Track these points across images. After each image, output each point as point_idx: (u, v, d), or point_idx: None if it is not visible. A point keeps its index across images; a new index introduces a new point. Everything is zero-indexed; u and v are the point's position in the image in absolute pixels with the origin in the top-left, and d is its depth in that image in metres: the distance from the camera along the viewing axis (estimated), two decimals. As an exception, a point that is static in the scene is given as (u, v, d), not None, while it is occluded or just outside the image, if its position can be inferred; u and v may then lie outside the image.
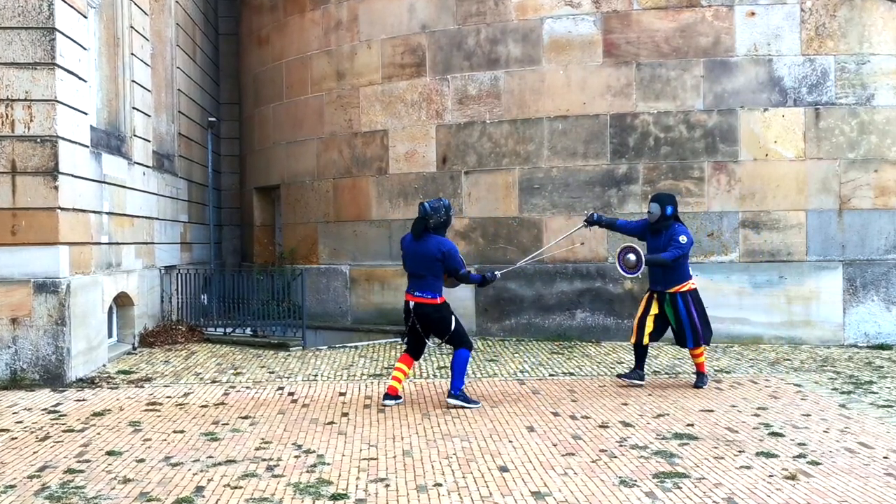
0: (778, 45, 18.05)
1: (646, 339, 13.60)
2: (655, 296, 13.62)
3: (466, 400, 12.33)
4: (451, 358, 12.91)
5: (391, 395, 12.51)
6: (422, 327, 12.51)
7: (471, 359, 13.67)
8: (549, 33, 18.80)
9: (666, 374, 14.78)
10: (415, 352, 12.83)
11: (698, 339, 13.42)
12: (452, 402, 12.30)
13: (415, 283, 12.46)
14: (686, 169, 18.25)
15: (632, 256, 13.41)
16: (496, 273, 13.31)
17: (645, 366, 13.91)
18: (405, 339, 12.98)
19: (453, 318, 12.53)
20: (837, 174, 17.98)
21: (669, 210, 13.51)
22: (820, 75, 17.99)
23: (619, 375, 14.11)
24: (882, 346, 17.56)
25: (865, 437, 10.39)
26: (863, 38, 18.00)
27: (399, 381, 12.69)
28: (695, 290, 13.61)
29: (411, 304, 12.46)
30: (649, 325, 13.58)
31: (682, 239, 13.32)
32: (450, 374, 12.64)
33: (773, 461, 9.30)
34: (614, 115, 18.52)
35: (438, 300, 12.41)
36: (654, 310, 13.58)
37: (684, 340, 13.54)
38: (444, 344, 12.99)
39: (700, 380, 13.66)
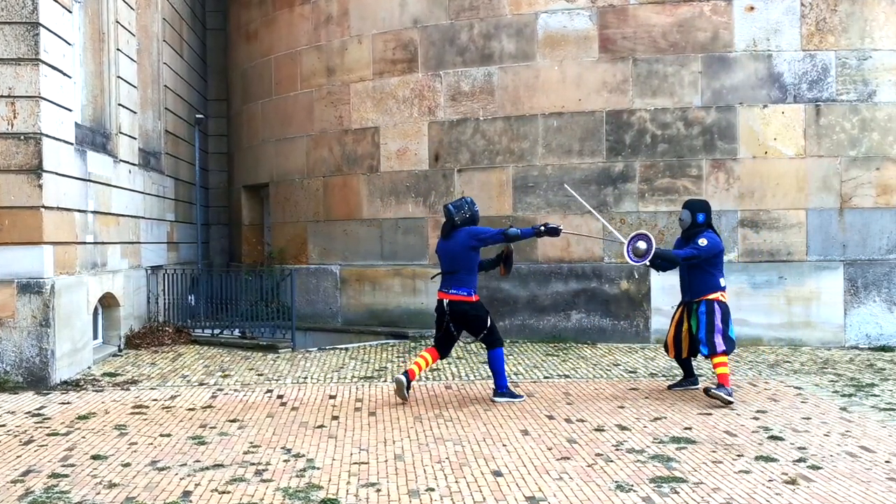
0: (777, 40, 18.07)
1: (685, 353, 13.41)
2: (684, 308, 13.30)
3: (513, 395, 12.78)
4: (485, 358, 13.22)
5: (409, 377, 12.77)
6: (455, 326, 12.79)
7: (464, 360, 13.70)
8: (544, 28, 18.80)
9: (664, 376, 14.79)
10: (443, 349, 13.09)
11: (713, 346, 12.65)
12: (499, 399, 12.69)
13: (448, 281, 12.74)
14: (684, 167, 18.27)
15: (642, 244, 12.97)
16: (556, 226, 12.99)
17: (694, 371, 13.79)
18: (435, 339, 13.26)
19: (488, 316, 12.81)
20: (838, 172, 18.00)
21: (701, 217, 13.13)
22: (820, 71, 18.01)
23: (670, 386, 13.74)
24: (884, 348, 17.57)
25: (867, 440, 10.39)
26: (864, 34, 18.01)
27: (419, 367, 12.95)
28: (723, 302, 12.93)
29: (445, 301, 12.74)
30: (685, 341, 13.30)
31: (702, 241, 12.84)
32: (490, 374, 13.22)
33: (773, 465, 9.31)
34: (610, 111, 18.53)
35: (473, 297, 12.69)
36: (686, 324, 13.26)
37: (699, 347, 12.93)
38: (477, 341, 13.19)
39: (717, 388, 12.48)
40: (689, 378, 13.62)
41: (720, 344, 12.69)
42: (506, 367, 13.14)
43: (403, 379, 12.59)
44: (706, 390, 12.66)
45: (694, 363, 14.00)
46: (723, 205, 18.08)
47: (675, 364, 15.78)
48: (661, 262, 13.21)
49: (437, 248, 13.05)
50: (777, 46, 18.07)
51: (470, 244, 12.58)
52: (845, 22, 17.98)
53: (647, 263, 13.06)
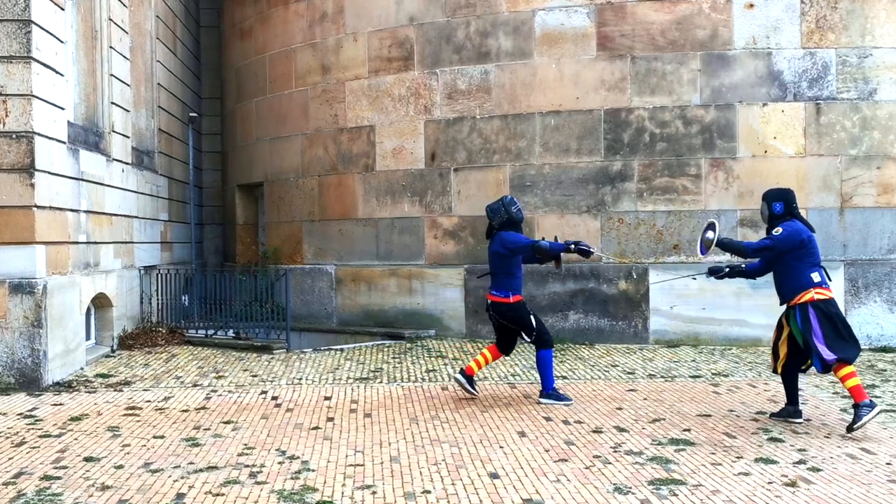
0: (777, 37, 18.07)
1: (779, 368, 11.76)
2: (784, 314, 11.70)
3: (559, 397, 12.81)
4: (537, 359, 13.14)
5: (467, 374, 13.10)
6: (506, 323, 13.03)
7: (461, 361, 13.69)
8: (541, 26, 18.80)
9: (662, 377, 14.79)
10: (504, 347, 13.35)
11: (822, 357, 11.05)
12: (545, 401, 12.76)
13: (491, 281, 13.00)
14: (682, 166, 18.27)
15: (709, 234, 11.90)
16: (587, 247, 12.85)
17: (798, 400, 11.89)
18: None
19: (531, 316, 12.95)
20: (839, 171, 18.00)
21: (778, 207, 11.67)
22: (821, 69, 18.01)
23: (771, 415, 11.93)
24: (885, 349, 17.55)
25: (868, 442, 10.42)
26: (865, 31, 18.02)
27: (479, 365, 13.25)
28: (821, 301, 11.23)
29: (489, 301, 13.03)
30: (783, 350, 11.65)
31: (777, 230, 11.45)
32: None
33: (773, 467, 9.32)
34: (608, 110, 18.53)
35: (511, 299, 12.81)
36: (786, 330, 11.60)
37: (812, 362, 11.40)
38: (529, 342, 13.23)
39: (856, 414, 10.82)
40: (788, 407, 11.86)
41: (826, 352, 11.04)
42: (496, 371, 13.18)
43: (462, 378, 13.08)
44: (772, 415, 11.83)
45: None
46: (722, 204, 18.08)
47: (672, 365, 15.79)
48: (730, 254, 12.42)
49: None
50: (777, 44, 18.07)
51: (500, 252, 12.77)
52: (846, 19, 17.98)
53: (708, 257, 12.12)
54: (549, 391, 12.81)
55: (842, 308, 17.42)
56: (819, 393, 13.37)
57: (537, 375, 14.87)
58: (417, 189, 19.74)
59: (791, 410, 11.72)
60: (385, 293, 20.25)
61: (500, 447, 10.31)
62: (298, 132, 21.92)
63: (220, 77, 27.54)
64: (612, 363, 16.24)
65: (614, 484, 8.75)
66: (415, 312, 19.77)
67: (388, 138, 20.20)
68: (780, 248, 11.38)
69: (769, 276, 11.54)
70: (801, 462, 9.52)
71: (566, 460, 9.69)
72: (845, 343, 11.11)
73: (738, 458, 9.74)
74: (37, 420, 11.93)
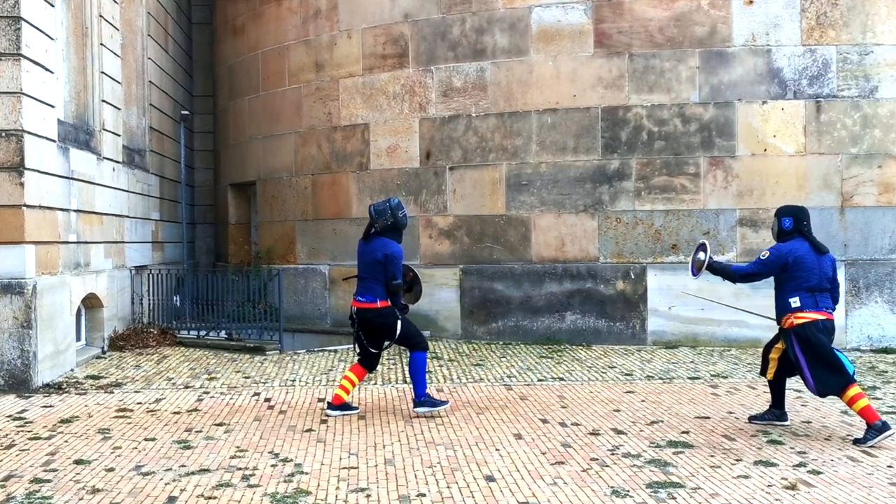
0: (777, 34, 18.08)
1: (769, 374, 11.60)
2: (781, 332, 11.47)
3: (434, 403, 12.23)
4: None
5: (335, 404, 12.33)
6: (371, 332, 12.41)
7: (455, 363, 13.62)
8: (538, 22, 18.81)
9: (660, 379, 14.79)
10: (368, 363, 12.68)
11: (811, 385, 11.04)
12: (420, 409, 12.21)
13: (358, 286, 12.45)
14: (681, 164, 18.27)
15: (701, 255, 11.74)
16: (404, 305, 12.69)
17: (784, 403, 11.77)
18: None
19: (400, 322, 12.33)
20: (839, 170, 18.01)
21: (787, 223, 11.38)
22: (821, 66, 18.02)
23: (751, 419, 11.84)
24: (886, 350, 17.58)
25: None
26: (866, 28, 18.03)
27: (347, 391, 12.51)
28: (800, 325, 10.97)
29: (354, 308, 12.42)
30: (773, 360, 11.51)
31: (765, 254, 11.33)
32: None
33: (773, 470, 9.33)
34: (606, 108, 18.54)
35: (379, 304, 12.23)
36: (781, 344, 11.41)
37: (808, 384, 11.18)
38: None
39: (866, 432, 10.64)
40: (777, 408, 11.75)
41: (811, 383, 10.98)
42: (492, 372, 13.10)
43: (334, 412, 12.22)
44: (751, 418, 11.72)
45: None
46: (721, 203, 18.09)
47: (671, 366, 15.81)
48: (721, 276, 11.99)
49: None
50: (777, 41, 18.08)
51: (378, 260, 12.11)
52: (846, 16, 18.00)
53: (698, 277, 12.08)
54: (422, 398, 12.21)
55: (842, 309, 17.61)
56: (819, 394, 13.39)
57: (533, 377, 14.94)
58: (412, 188, 19.74)
59: (777, 413, 11.65)
60: (379, 293, 20.24)
61: (496, 450, 10.31)
62: (292, 130, 21.91)
63: (212, 74, 27.55)
64: (610, 364, 16.24)
65: (612, 487, 8.75)
66: (409, 313, 19.71)
67: (382, 137, 20.19)
68: (767, 273, 11.30)
69: (772, 278, 11.45)
70: (801, 465, 9.52)
71: (563, 463, 9.69)
72: (830, 371, 10.86)
73: (737, 460, 9.74)
74: (26, 422, 11.91)
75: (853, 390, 10.74)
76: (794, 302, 11.03)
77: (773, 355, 11.47)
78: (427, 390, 12.32)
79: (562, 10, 18.67)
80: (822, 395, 11.15)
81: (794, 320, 10.97)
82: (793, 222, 11.36)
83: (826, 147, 18.02)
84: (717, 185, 18.13)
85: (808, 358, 10.91)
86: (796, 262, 11.07)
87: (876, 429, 10.49)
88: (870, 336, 17.92)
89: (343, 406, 12.23)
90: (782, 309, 11.12)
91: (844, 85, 17.99)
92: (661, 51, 18.32)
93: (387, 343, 12.53)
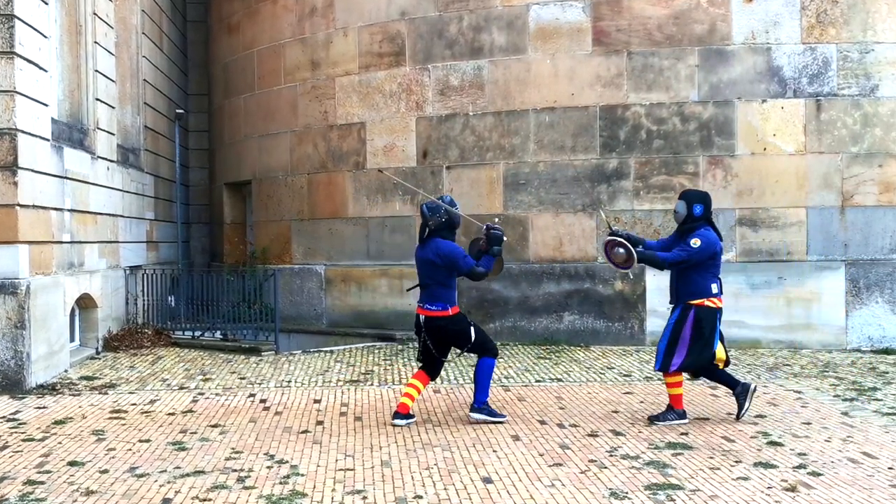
0: (777, 32, 18.08)
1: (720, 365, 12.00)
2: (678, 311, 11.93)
3: (492, 413, 11.91)
4: (474, 361, 12.51)
5: (403, 413, 11.86)
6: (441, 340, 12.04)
7: (453, 364, 13.63)
8: (536, 20, 18.81)
9: (658, 380, 14.77)
10: (432, 370, 12.27)
11: (667, 362, 11.72)
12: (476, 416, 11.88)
13: (422, 294, 12.14)
14: (680, 163, 18.27)
15: (620, 250, 11.84)
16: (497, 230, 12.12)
17: (736, 378, 12.15)
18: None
19: (472, 326, 12.08)
20: (840, 169, 18.01)
21: (698, 210, 11.79)
22: (821, 65, 18.03)
23: (737, 417, 11.95)
24: (887, 351, 17.59)
25: (869, 446, 10.42)
26: (866, 26, 18.03)
27: (412, 398, 12.04)
28: (711, 310, 11.63)
29: (421, 317, 12.08)
30: (720, 350, 11.95)
31: (695, 242, 11.57)
32: (533, 377, 12.77)
33: (772, 472, 9.32)
34: (604, 106, 18.54)
35: (449, 311, 11.94)
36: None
37: (657, 358, 11.94)
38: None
39: (665, 412, 11.88)
40: (736, 386, 11.97)
41: (677, 359, 11.63)
42: (494, 371, 12.99)
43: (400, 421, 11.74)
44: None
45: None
46: (720, 203, 18.05)
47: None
48: (649, 265, 12.49)
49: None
50: (776, 39, 18.08)
51: (434, 261, 11.87)
52: (847, 14, 18.00)
53: (636, 270, 12.28)
54: (482, 405, 11.90)
55: (843, 309, 17.81)
56: (820, 396, 13.38)
57: (531, 377, 14.95)
58: (409, 187, 19.71)
59: (741, 389, 11.91)
60: (376, 293, 20.24)
61: (494, 451, 10.31)
62: (287, 129, 21.91)
63: (207, 73, 27.53)
64: (608, 365, 16.25)
65: (610, 489, 8.75)
66: (406, 313, 19.69)
67: (378, 135, 20.18)
68: (695, 261, 11.61)
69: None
70: (801, 466, 9.51)
71: (561, 465, 9.69)
72: (699, 353, 11.63)
73: (736, 462, 9.74)
74: (20, 423, 11.91)
75: (681, 378, 11.88)
76: (714, 288, 11.69)
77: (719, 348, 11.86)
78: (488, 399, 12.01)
79: (560, 7, 18.66)
80: (666, 369, 11.75)
81: (708, 303, 11.62)
82: (703, 209, 11.86)
83: (826, 146, 18.01)
84: (717, 185, 18.11)
85: (695, 337, 11.59)
86: (718, 253, 11.79)
87: (679, 414, 11.76)
88: (870, 337, 17.92)
89: (409, 415, 11.79)
90: (699, 291, 11.63)
91: (845, 83, 17.99)
92: (659, 49, 18.32)
93: (459, 352, 12.26)
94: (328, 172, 21.00)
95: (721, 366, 11.98)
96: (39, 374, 14.58)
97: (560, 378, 15.08)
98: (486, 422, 11.70)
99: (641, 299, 18.38)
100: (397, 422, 11.64)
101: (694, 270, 11.66)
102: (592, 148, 18.57)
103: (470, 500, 8.46)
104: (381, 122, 20.14)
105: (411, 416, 11.83)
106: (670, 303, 12.06)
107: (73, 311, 17.22)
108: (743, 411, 11.85)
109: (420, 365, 12.29)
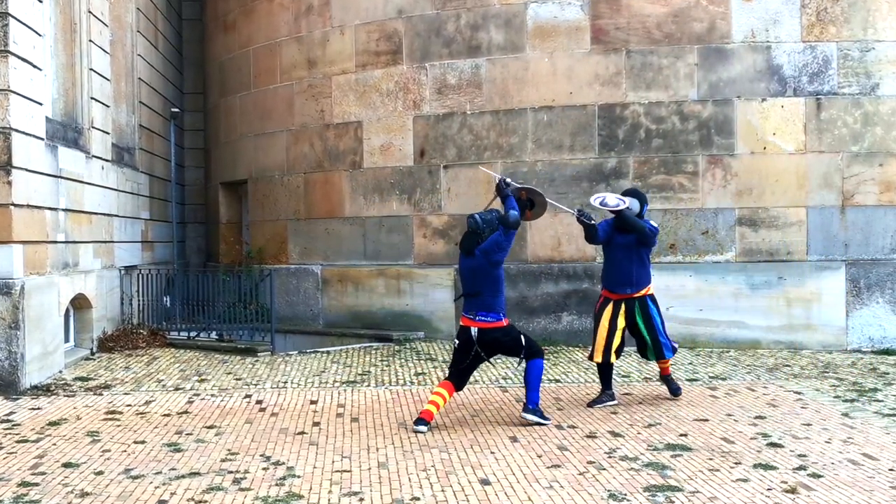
0: (777, 31, 18.07)
1: (613, 357, 12.83)
2: (623, 304, 12.84)
3: (542, 415, 11.85)
4: None
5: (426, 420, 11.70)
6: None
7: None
8: (534, 18, 18.80)
9: (657, 381, 14.78)
10: (460, 380, 12.16)
11: (671, 346, 13.16)
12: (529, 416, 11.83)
13: (470, 304, 11.97)
14: (679, 163, 18.27)
15: (610, 199, 13.00)
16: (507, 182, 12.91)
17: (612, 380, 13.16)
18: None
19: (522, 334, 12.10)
20: (840, 168, 18.01)
21: (645, 209, 13.14)
22: (821, 63, 18.02)
23: (589, 405, 12.79)
24: (887, 352, 17.58)
25: (870, 447, 10.42)
26: (867, 24, 18.03)
27: (438, 406, 11.86)
28: (653, 295, 13.07)
29: (475, 330, 11.88)
30: (617, 341, 12.79)
31: (655, 224, 13.09)
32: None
33: (772, 473, 9.32)
34: (603, 105, 18.53)
35: (504, 322, 11.89)
36: (622, 322, 12.82)
37: (660, 351, 12.95)
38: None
39: (675, 385, 13.46)
40: (609, 392, 12.99)
41: (669, 341, 13.13)
42: (487, 374, 13.01)
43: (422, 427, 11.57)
44: (589, 404, 12.87)
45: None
46: (720, 202, 18.09)
47: (670, 367, 15.75)
48: (632, 229, 12.83)
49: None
50: (776, 37, 18.07)
51: (484, 265, 11.77)
52: (847, 12, 17.99)
53: (628, 206, 12.68)
54: (534, 405, 11.86)
55: (843, 309, 17.92)
56: (820, 397, 13.38)
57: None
58: (406, 187, 19.72)
59: (611, 394, 13.00)
60: (373, 294, 20.23)
61: (492, 452, 10.31)
62: (283, 128, 21.90)
63: (202, 71, 27.53)
64: (607, 366, 16.24)
65: (609, 490, 8.75)
66: (403, 314, 19.76)
67: (375, 134, 20.17)
68: (653, 244, 13.02)
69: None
70: (801, 468, 9.52)
71: (559, 466, 9.69)
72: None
73: (736, 463, 9.74)
74: (14, 424, 11.90)
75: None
76: (653, 277, 13.22)
77: (618, 336, 12.82)
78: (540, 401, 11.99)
79: (558, 5, 18.66)
80: (674, 353, 13.26)
81: (651, 291, 12.98)
82: (647, 209, 13.27)
83: (826, 145, 18.01)
84: (716, 184, 18.12)
85: (662, 320, 13.06)
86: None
87: (611, 395, 12.96)
88: (871, 337, 17.91)
89: (428, 423, 11.59)
90: (649, 278, 13.01)
91: (845, 82, 17.99)
92: (658, 47, 18.32)
93: (517, 361, 12.49)
94: (325, 172, 20.99)
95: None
96: (34, 374, 14.57)
97: (558, 379, 15.08)
98: (537, 423, 11.67)
99: (640, 299, 18.36)
100: (420, 428, 11.47)
101: (645, 258, 12.94)
102: (591, 147, 18.57)
103: (468, 501, 8.46)
104: (378, 121, 20.13)
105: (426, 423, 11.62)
106: (627, 291, 12.89)
107: (67, 311, 17.21)
108: (598, 405, 12.84)
109: (448, 374, 12.20)
